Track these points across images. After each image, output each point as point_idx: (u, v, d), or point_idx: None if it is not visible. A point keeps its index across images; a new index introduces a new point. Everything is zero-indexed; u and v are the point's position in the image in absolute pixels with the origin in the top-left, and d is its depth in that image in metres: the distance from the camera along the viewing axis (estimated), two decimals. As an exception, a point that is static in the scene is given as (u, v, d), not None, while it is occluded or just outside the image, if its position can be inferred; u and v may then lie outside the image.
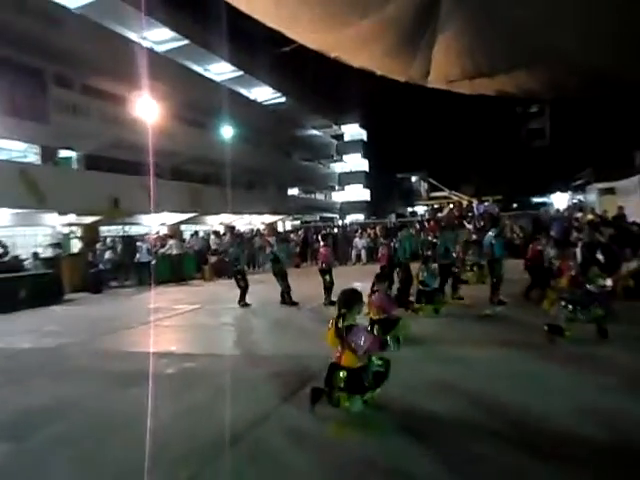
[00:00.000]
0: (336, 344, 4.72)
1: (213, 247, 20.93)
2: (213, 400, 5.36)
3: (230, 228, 23.87)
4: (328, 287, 11.08)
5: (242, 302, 11.71)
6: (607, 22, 7.75)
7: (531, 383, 5.39)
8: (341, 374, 4.61)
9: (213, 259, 20.01)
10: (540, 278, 9.96)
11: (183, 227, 26.79)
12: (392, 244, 11.16)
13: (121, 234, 23.54)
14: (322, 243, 12.52)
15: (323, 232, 24.31)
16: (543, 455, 3.70)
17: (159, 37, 26.79)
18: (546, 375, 5.69)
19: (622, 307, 8.48)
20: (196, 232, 24.27)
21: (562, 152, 38.37)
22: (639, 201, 20.73)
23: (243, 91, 35.69)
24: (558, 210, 27.40)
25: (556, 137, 44.55)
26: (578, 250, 13.71)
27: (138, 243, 19.22)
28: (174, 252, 19.56)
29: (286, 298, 11.50)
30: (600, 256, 13.49)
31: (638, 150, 24.49)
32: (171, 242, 20.04)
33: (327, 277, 11.21)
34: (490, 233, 10.85)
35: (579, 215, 23.49)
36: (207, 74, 31.69)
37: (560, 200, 35.81)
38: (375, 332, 6.93)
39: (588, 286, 7.19)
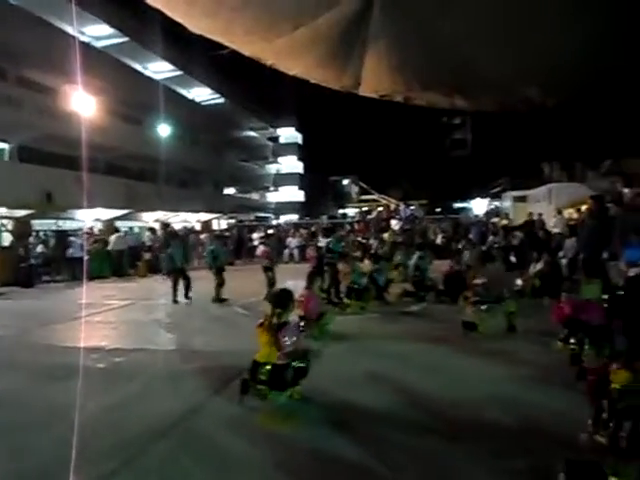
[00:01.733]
0: (266, 340, 4.80)
1: (147, 244, 21.12)
2: (144, 393, 5.43)
3: (165, 225, 24.19)
4: (272, 283, 11.44)
5: (175, 299, 11.82)
6: (527, 44, 8.61)
7: (447, 375, 5.75)
8: (264, 369, 4.70)
9: (147, 256, 20.10)
10: (456, 284, 10.62)
11: (118, 223, 26.78)
12: (324, 244, 11.49)
13: (54, 228, 23.34)
14: (262, 242, 12.91)
15: (268, 232, 25.09)
16: (454, 439, 4.03)
17: (98, 33, 26.68)
18: (461, 367, 6.07)
19: (529, 304, 9.41)
20: (130, 228, 24.38)
21: (482, 161, 40.67)
22: (547, 208, 22.67)
23: (182, 90, 35.85)
24: (477, 215, 29.34)
25: (476, 147, 47.25)
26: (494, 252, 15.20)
27: (71, 238, 19.20)
28: (116, 248, 19.49)
29: (218, 294, 11.67)
30: (512, 258, 15.08)
31: (546, 162, 26.70)
32: (112, 237, 19.94)
33: (270, 274, 11.62)
34: (417, 254, 11.87)
35: (495, 220, 25.39)
36: (146, 72, 31.71)
37: (479, 206, 38.01)
38: (302, 329, 7.27)
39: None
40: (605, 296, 5.86)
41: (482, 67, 9.46)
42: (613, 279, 8.68)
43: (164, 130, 29.45)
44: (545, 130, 27.54)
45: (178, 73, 33.48)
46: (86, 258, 18.05)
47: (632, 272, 8.43)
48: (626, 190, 15.65)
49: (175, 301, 11.78)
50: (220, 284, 11.70)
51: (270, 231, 27.23)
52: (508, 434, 4.13)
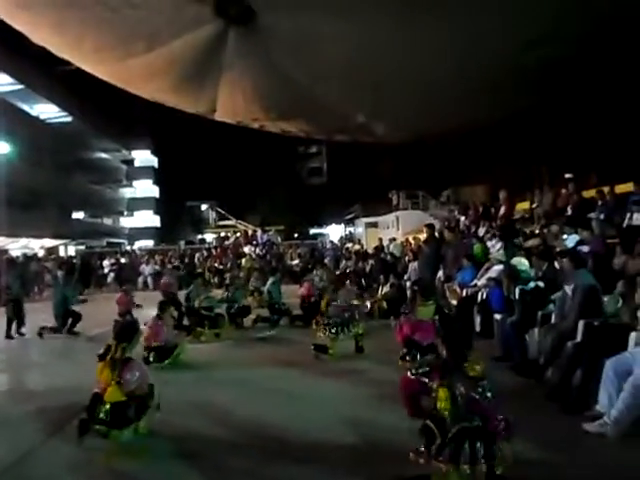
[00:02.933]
0: (107, 377, 4.53)
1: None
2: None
3: (1, 252, 22.14)
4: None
5: (9, 333, 10.73)
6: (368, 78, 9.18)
7: (297, 398, 5.86)
8: (104, 407, 4.45)
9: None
10: (310, 308, 10.91)
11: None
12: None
13: None
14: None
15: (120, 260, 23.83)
16: (300, 463, 4.11)
17: None
18: (310, 390, 6.22)
19: (378, 325, 10.02)
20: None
21: (337, 189, 42.56)
22: (396, 234, 24.25)
23: (24, 106, 33.18)
24: (332, 241, 30.46)
25: (332, 175, 49.38)
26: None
27: None
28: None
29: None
30: (362, 281, 15.85)
31: (394, 191, 28.62)
32: None
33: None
34: (270, 280, 12.09)
35: (349, 245, 26.58)
36: (-20, 84, 29.02)
37: (334, 231, 39.64)
38: (151, 359, 7.26)
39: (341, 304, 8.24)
40: (437, 316, 6.42)
41: (327, 101, 10.02)
42: (448, 299, 9.54)
43: (2, 148, 26.98)
44: (393, 161, 29.62)
45: (19, 87, 30.94)
46: None
47: (464, 292, 9.34)
48: (462, 218, 17.22)
49: (9, 336, 10.72)
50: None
51: (122, 260, 26.00)
52: (352, 454, 4.29)
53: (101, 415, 4.44)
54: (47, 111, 35.73)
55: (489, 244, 11.11)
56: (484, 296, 8.65)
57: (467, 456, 3.20)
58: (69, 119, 36.76)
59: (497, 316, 7.61)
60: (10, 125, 26.21)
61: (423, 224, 14.84)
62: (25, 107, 33.45)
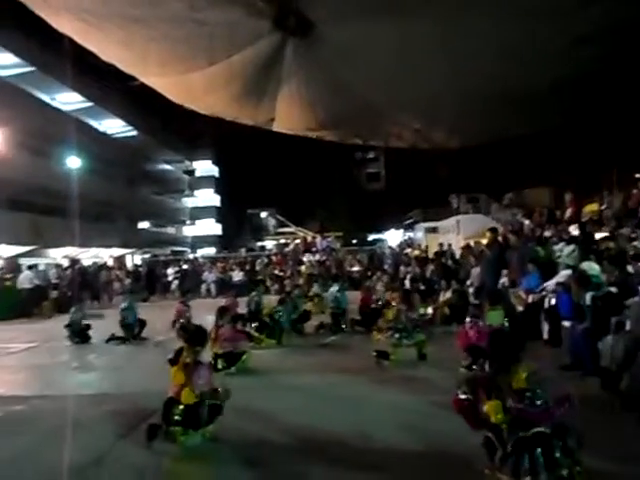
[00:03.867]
0: (180, 379, 4.71)
1: (54, 281, 20.16)
2: (43, 444, 5.09)
3: (73, 262, 23.19)
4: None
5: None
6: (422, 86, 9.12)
7: (358, 405, 5.85)
8: (178, 409, 4.62)
9: (54, 294, 19.11)
10: (371, 314, 10.91)
11: (22, 260, 25.34)
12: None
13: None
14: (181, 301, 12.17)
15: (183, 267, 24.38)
16: (366, 470, 4.11)
17: (3, 62, 25.60)
18: (372, 397, 6.19)
19: (440, 332, 9.89)
20: (35, 265, 23.11)
21: (395, 194, 42.26)
22: (456, 239, 23.81)
23: (92, 122, 34.83)
24: (391, 246, 30.22)
25: (390, 180, 49.10)
26: (407, 282, 15.72)
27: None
28: (24, 286, 18.35)
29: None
30: (422, 287, 15.64)
31: (454, 195, 28.14)
32: (21, 275, 18.83)
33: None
34: (333, 288, 12.14)
35: (408, 251, 26.30)
36: (54, 103, 30.62)
37: (393, 237, 39.23)
38: (219, 366, 7.42)
39: (411, 314, 8.21)
40: (506, 322, 6.25)
41: (385, 108, 9.97)
42: (513, 305, 9.27)
43: (74, 163, 28.37)
44: (453, 164, 29.15)
45: (88, 104, 32.55)
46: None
47: (530, 298, 9.05)
48: (527, 221, 16.72)
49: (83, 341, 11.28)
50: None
51: (185, 266, 26.68)
52: (415, 464, 4.24)
53: (176, 417, 4.61)
54: (114, 126, 37.38)
55: (555, 248, 10.75)
56: (552, 302, 8.36)
57: (527, 468, 3.11)
58: (134, 133, 38.30)
59: (566, 323, 7.33)
60: (81, 141, 27.53)
61: (485, 228, 14.49)
62: (94, 123, 35.09)
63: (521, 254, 11.00)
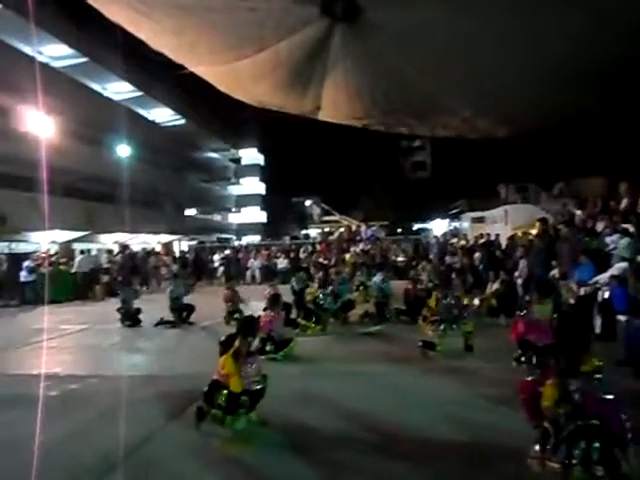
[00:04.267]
0: (230, 367, 4.77)
1: (105, 266, 20.76)
2: (99, 421, 5.31)
3: (123, 247, 23.83)
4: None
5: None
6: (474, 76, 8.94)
7: (403, 394, 5.87)
8: (222, 394, 4.73)
9: (105, 278, 19.71)
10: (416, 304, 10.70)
11: (75, 245, 26.24)
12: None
13: (6, 252, 22.68)
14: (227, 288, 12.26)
15: (226, 253, 24.64)
16: (410, 461, 4.12)
17: (57, 53, 26.38)
18: (419, 387, 6.18)
19: (486, 324, 9.74)
20: (88, 250, 23.89)
21: (441, 183, 41.58)
22: (504, 229, 23.30)
23: (142, 111, 35.61)
24: (436, 236, 29.82)
25: (436, 169, 48.34)
26: (453, 273, 15.48)
27: (25, 261, 18.69)
28: (79, 270, 19.09)
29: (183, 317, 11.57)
30: (470, 278, 15.38)
31: (502, 184, 27.51)
32: (77, 259, 19.60)
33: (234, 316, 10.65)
34: (377, 277, 12.04)
35: (454, 241, 25.87)
36: (105, 93, 31.43)
37: (438, 227, 38.66)
38: (267, 349, 7.53)
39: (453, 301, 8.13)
40: (555, 315, 6.07)
41: (434, 97, 9.79)
42: (564, 298, 8.99)
43: (124, 151, 29.13)
44: (501, 153, 28.47)
45: (138, 94, 33.30)
46: (44, 281, 17.48)
47: (582, 291, 8.76)
48: (578, 212, 16.18)
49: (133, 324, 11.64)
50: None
51: (230, 253, 27.02)
52: (460, 454, 4.21)
53: (219, 401, 4.72)
54: (162, 115, 38.09)
55: (608, 240, 10.36)
56: (605, 295, 8.08)
57: (580, 457, 3.02)
58: (182, 122, 38.92)
59: (621, 317, 7.08)
60: (131, 129, 28.17)
61: (534, 218, 14.13)
62: (143, 112, 35.85)
63: (572, 245, 10.67)
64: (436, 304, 8.14)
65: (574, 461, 3.05)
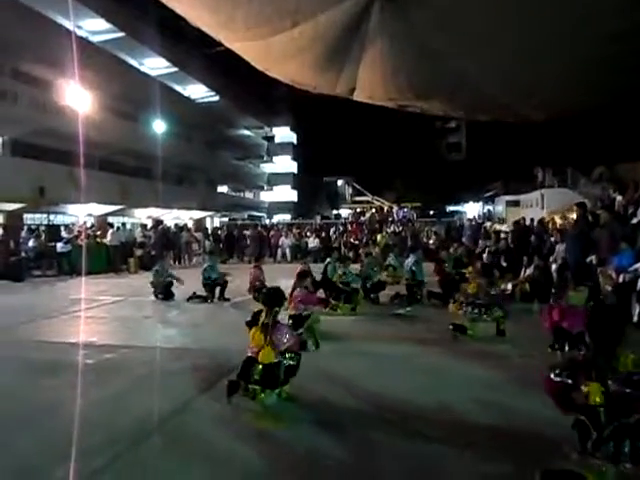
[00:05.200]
0: (259, 340, 4.82)
1: (139, 240, 21.15)
2: (133, 390, 5.41)
3: (157, 222, 24.20)
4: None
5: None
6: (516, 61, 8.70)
7: (435, 377, 5.77)
8: (257, 369, 4.75)
9: (139, 252, 20.00)
10: (448, 287, 10.73)
11: (111, 219, 26.76)
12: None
13: (46, 223, 23.30)
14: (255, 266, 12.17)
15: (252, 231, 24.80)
16: (440, 442, 4.07)
17: (95, 27, 26.57)
18: (449, 370, 6.07)
19: (519, 309, 9.52)
20: (123, 224, 24.35)
21: (476, 165, 40.82)
22: (539, 213, 22.86)
23: (177, 87, 35.73)
24: (470, 219, 29.46)
25: (471, 151, 47.48)
26: (485, 256, 15.27)
27: (63, 233, 19.16)
28: (112, 243, 19.53)
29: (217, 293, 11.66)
30: (503, 262, 15.16)
31: (539, 167, 26.90)
32: (109, 232, 20.00)
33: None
34: (410, 259, 11.95)
35: (488, 224, 25.54)
36: (142, 68, 31.63)
37: (472, 209, 38.20)
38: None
39: (490, 289, 7.97)
40: (591, 303, 5.92)
41: (473, 80, 9.54)
42: (602, 285, 8.78)
43: (159, 127, 29.42)
44: (538, 136, 27.74)
45: (174, 70, 33.37)
46: (81, 253, 17.92)
47: (621, 278, 8.54)
48: (619, 197, 15.73)
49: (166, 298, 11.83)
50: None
51: (262, 231, 27.14)
52: (489, 439, 4.15)
53: (255, 376, 4.74)
54: (197, 91, 38.14)
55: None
56: (645, 283, 7.87)
57: (627, 455, 2.94)
58: (216, 99, 38.94)
59: (661, 306, 6.88)
60: (166, 105, 28.38)
61: (571, 203, 13.80)
62: (178, 88, 36.00)
63: (612, 231, 10.38)
64: (476, 290, 7.95)
65: (622, 458, 2.96)
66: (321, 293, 10.47)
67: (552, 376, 3.28)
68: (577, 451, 3.16)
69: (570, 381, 3.18)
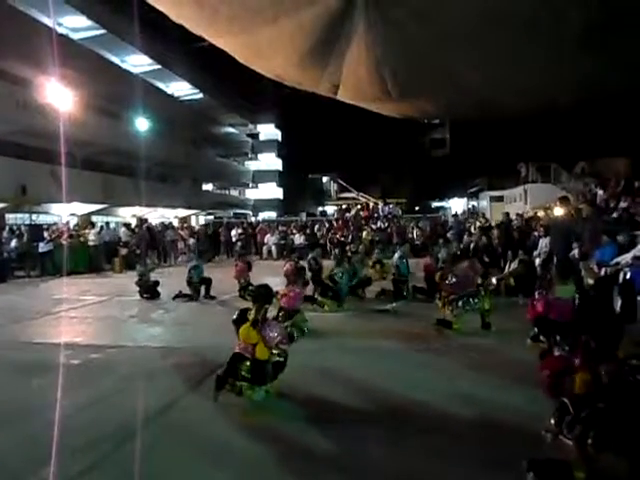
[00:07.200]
0: (253, 337, 4.82)
1: (124, 239, 20.98)
2: (118, 390, 5.39)
3: (142, 221, 24.01)
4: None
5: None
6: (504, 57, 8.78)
7: (418, 371, 5.89)
8: (245, 365, 4.77)
9: (123, 251, 19.82)
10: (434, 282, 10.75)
11: (94, 218, 26.47)
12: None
13: (28, 222, 22.97)
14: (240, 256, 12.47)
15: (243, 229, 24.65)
16: (425, 434, 4.15)
17: (76, 24, 26.23)
18: (433, 363, 6.22)
19: (505, 303, 9.61)
20: (107, 223, 24.13)
21: (460, 161, 40.92)
22: (523, 208, 23.09)
23: (160, 85, 35.43)
24: (455, 214, 29.61)
25: (455, 147, 47.58)
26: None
27: (45, 233, 18.94)
28: (94, 242, 19.43)
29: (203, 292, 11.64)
30: (486, 257, 15.26)
31: (522, 163, 27.13)
32: (89, 232, 19.89)
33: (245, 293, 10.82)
34: (397, 254, 12.01)
35: (472, 220, 25.70)
36: (124, 65, 31.29)
37: (457, 205, 38.43)
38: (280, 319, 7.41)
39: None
40: (577, 295, 5.99)
41: (458, 73, 9.63)
42: (584, 278, 8.87)
43: (142, 124, 29.12)
44: (522, 132, 27.97)
45: (157, 67, 33.05)
46: (62, 252, 17.73)
47: (602, 272, 8.64)
48: (600, 192, 15.93)
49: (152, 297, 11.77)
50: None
51: (243, 227, 27.06)
52: (472, 431, 4.23)
53: (243, 372, 4.77)
54: (180, 89, 37.84)
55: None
56: (627, 276, 7.95)
57: (595, 438, 3.00)
58: (200, 96, 38.67)
59: (642, 298, 6.97)
60: (149, 103, 28.10)
61: (554, 198, 13.95)
62: (161, 85, 35.70)
63: (594, 225, 10.50)
64: (441, 279, 8.18)
65: (589, 441, 3.01)
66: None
67: (555, 352, 3.33)
68: (551, 431, 3.22)
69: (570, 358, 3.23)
